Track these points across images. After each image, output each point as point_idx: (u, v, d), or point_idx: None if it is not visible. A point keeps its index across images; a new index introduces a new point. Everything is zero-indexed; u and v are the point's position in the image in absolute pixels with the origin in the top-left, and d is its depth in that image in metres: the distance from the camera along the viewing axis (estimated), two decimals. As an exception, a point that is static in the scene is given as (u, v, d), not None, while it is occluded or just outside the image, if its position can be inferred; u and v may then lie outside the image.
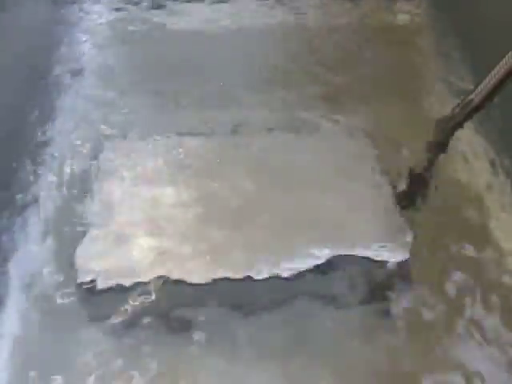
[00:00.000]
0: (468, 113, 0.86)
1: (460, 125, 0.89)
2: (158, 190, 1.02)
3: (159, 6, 1.45)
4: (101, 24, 1.42)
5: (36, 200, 1.02)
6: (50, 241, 0.96)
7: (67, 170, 1.07)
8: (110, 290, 0.89)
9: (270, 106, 1.19)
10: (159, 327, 0.86)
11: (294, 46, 1.35)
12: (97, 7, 1.46)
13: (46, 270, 0.92)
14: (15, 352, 0.83)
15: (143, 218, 0.98)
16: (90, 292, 0.89)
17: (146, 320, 0.87)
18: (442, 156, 0.92)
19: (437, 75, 1.25)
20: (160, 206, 1.00)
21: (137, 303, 0.88)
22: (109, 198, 1.01)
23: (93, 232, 0.96)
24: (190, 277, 0.90)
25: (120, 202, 1.00)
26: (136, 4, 1.46)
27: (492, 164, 1.06)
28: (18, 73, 1.15)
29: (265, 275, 0.90)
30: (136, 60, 1.32)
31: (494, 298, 0.89)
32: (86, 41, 1.36)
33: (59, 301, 0.89)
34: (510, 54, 0.79)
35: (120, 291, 0.89)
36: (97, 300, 0.89)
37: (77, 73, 1.27)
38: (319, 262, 0.91)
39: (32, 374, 0.81)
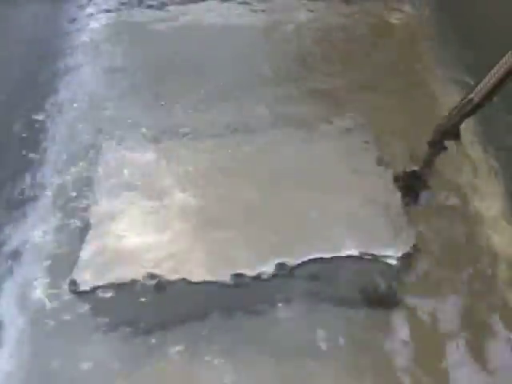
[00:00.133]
0: (468, 112, 0.87)
1: (460, 123, 0.89)
2: (157, 190, 1.02)
3: (159, 6, 1.45)
4: (100, 24, 1.42)
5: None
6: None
7: (65, 173, 1.07)
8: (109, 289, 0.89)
9: (270, 106, 1.19)
10: (159, 326, 0.86)
11: (293, 45, 1.35)
12: (97, 7, 1.46)
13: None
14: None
15: (144, 217, 0.98)
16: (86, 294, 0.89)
17: (148, 320, 0.87)
18: (442, 156, 0.92)
19: (436, 74, 1.25)
20: (160, 205, 1.00)
21: (137, 303, 0.88)
22: (109, 198, 1.01)
23: (93, 234, 0.96)
24: (190, 276, 0.90)
25: (120, 203, 1.00)
26: (136, 3, 1.46)
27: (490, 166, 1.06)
28: (16, 73, 1.15)
29: (267, 274, 0.90)
30: (136, 60, 1.32)
31: (493, 293, 0.89)
32: (85, 40, 1.37)
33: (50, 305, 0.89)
34: (509, 53, 0.79)
35: (121, 291, 0.89)
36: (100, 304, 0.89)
37: (76, 72, 1.28)
38: (321, 260, 0.91)
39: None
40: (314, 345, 0.84)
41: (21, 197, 1.02)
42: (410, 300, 0.88)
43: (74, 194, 1.03)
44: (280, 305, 0.88)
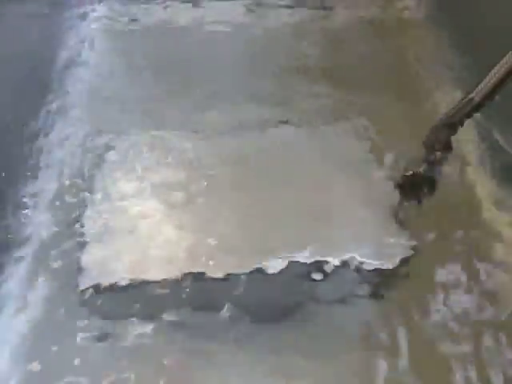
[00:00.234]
0: (468, 112, 0.87)
1: (460, 123, 0.89)
2: (157, 190, 1.02)
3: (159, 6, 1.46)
4: (100, 24, 1.42)
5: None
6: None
7: (66, 174, 1.07)
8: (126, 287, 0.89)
9: (270, 106, 1.19)
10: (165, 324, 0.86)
11: (293, 45, 1.35)
12: (96, 6, 1.46)
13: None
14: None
15: (146, 216, 0.99)
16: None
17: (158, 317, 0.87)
18: (443, 156, 0.93)
19: (436, 73, 1.25)
20: (160, 205, 1.00)
21: (148, 301, 0.88)
22: (109, 199, 1.01)
23: (97, 234, 0.96)
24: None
25: (121, 202, 1.01)
26: (136, 4, 1.46)
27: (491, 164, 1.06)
28: (16, 72, 1.15)
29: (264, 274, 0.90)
30: (136, 60, 1.33)
31: (491, 292, 0.89)
32: (85, 40, 1.37)
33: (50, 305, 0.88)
34: (510, 53, 0.79)
35: (133, 289, 0.89)
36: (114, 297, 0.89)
37: (74, 72, 1.28)
38: (317, 262, 0.91)
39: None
40: (314, 344, 0.84)
41: (21, 197, 1.03)
42: (410, 300, 0.88)
43: (74, 194, 1.04)
44: (280, 304, 0.88)
